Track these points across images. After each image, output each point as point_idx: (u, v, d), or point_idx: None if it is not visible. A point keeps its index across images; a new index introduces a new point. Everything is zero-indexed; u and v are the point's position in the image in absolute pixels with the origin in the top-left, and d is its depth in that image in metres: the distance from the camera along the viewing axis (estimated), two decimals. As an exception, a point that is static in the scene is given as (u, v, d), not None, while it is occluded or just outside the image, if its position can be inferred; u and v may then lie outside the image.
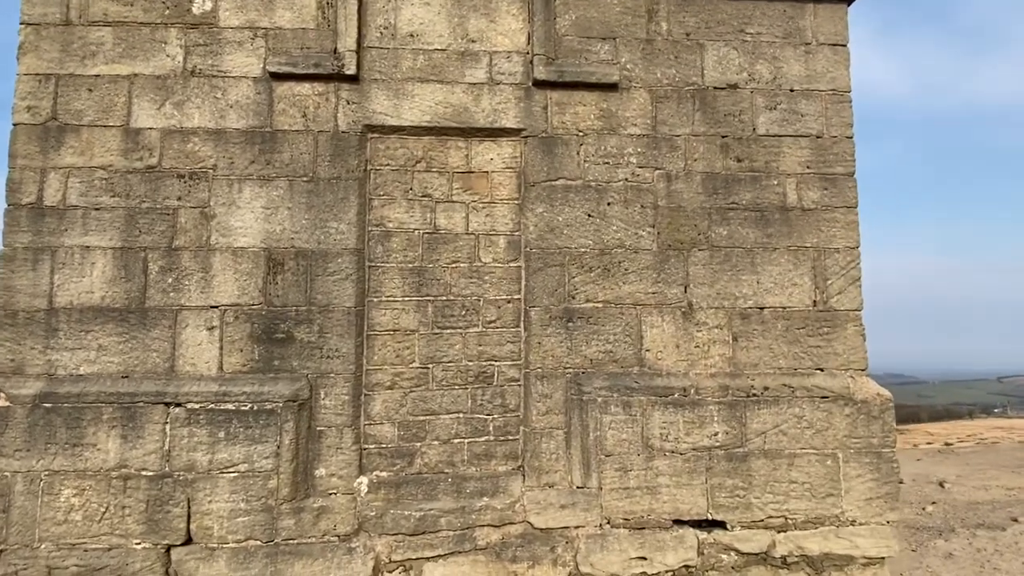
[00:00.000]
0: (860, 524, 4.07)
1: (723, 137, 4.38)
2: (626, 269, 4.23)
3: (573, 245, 4.22)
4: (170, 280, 4.02)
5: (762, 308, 4.26)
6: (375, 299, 4.17)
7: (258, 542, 3.84)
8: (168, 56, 4.17)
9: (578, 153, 4.29)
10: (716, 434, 4.07)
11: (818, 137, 4.42)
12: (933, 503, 8.82)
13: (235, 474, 3.85)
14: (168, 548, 3.81)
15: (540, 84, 4.28)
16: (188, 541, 3.83)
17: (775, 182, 4.36)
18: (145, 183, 4.08)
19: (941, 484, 9.81)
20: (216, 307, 4.03)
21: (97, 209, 4.04)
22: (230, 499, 3.84)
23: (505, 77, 4.31)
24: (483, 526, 3.98)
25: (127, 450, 3.82)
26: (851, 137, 4.44)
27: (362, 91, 4.22)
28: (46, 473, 3.76)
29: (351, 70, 4.15)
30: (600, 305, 4.19)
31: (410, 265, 4.21)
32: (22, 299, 3.92)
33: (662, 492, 4.02)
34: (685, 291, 4.24)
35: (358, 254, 4.14)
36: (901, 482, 9.59)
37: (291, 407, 3.91)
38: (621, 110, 4.33)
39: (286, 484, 3.87)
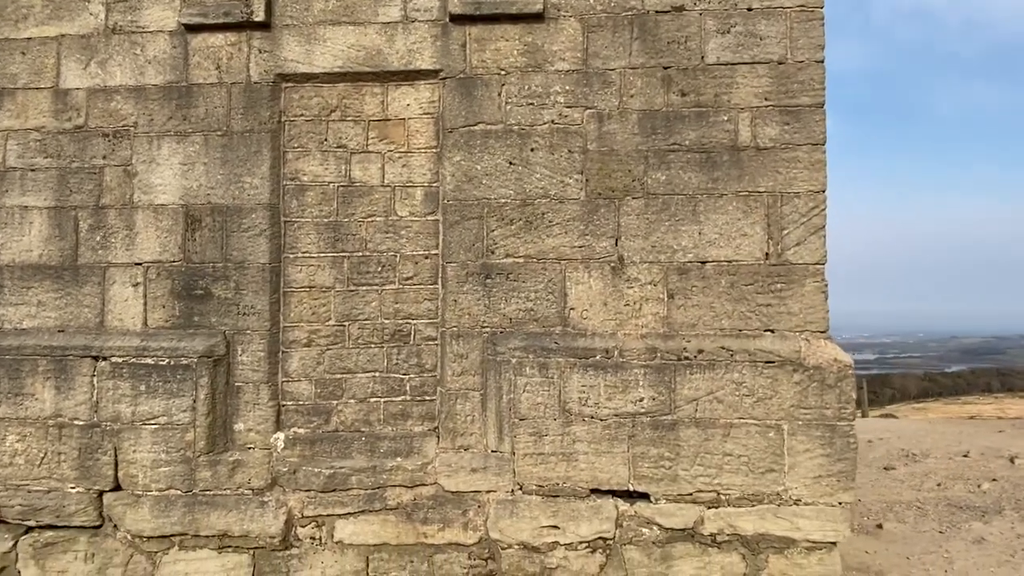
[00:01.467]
0: (805, 504, 3.66)
1: (665, 69, 3.89)
2: (550, 221, 3.92)
3: (493, 196, 3.95)
4: (98, 238, 4.15)
5: (704, 262, 3.83)
6: (291, 255, 4.12)
7: (178, 491, 3.99)
8: (91, 14, 4.21)
9: (499, 94, 3.96)
10: (641, 400, 3.75)
11: (780, 63, 3.84)
12: (993, 480, 7.96)
13: (156, 426, 4.00)
14: (100, 493, 4.04)
15: (458, 19, 3.97)
16: (117, 487, 4.04)
17: (725, 118, 3.84)
18: (74, 143, 4.20)
19: (1012, 460, 8.81)
20: (140, 264, 4.13)
21: (33, 170, 4.21)
22: (152, 450, 3.99)
23: (420, 14, 4.02)
24: (395, 486, 3.92)
25: (61, 400, 4.04)
26: (821, 61, 3.83)
27: (274, 38, 4.09)
28: (-8, 419, 4.05)
29: (260, 16, 4.03)
30: (521, 260, 3.93)
31: (325, 220, 4.11)
32: (-32, 257, 4.17)
33: (579, 459, 3.78)
34: (616, 244, 3.88)
35: (272, 209, 4.08)
36: (890, 468, 8.76)
37: (206, 363, 3.98)
38: (548, 43, 3.95)
39: (202, 437, 3.97)
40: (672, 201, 3.88)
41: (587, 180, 3.93)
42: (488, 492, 3.86)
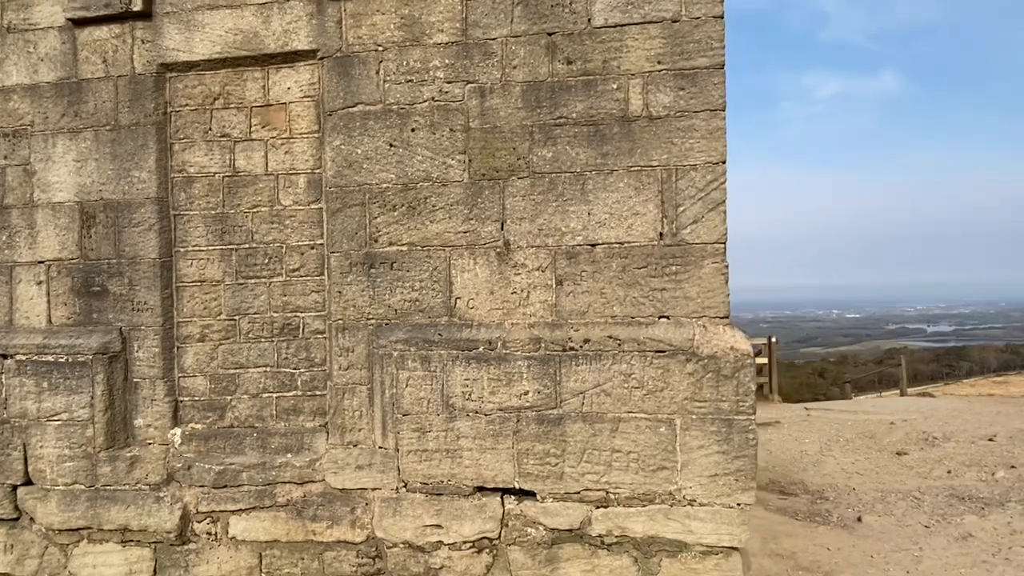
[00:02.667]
0: (700, 505, 3.39)
1: (549, 35, 3.61)
2: (433, 206, 3.72)
3: (374, 181, 3.78)
4: (4, 238, 4.23)
5: (594, 245, 3.57)
6: (182, 249, 4.09)
7: (82, 486, 4.06)
8: (-13, 14, 4.21)
9: (378, 72, 3.77)
10: (526, 393, 3.55)
11: (674, 21, 3.49)
12: (1012, 467, 7.37)
13: (59, 422, 4.07)
14: (13, 487, 4.16)
15: (332, -5, 3.76)
16: (28, 482, 4.14)
17: (614, 86, 3.53)
18: (-22, 144, 4.24)
19: (1039, 444, 8.10)
20: (43, 262, 4.19)
21: (-57, 172, 4.28)
22: (57, 445, 4.07)
23: (296, -8, 3.84)
24: (285, 483, 3.88)
25: (-27, 397, 4.15)
26: (720, 16, 3.46)
27: (155, 27, 4.02)
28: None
29: (139, 5, 3.96)
30: (405, 248, 3.76)
31: (213, 212, 4.05)
32: None
33: (464, 456, 3.62)
34: (501, 228, 3.66)
35: (161, 203, 4.05)
36: (903, 453, 8.10)
37: (101, 359, 4.01)
38: (426, 15, 3.72)
39: (101, 433, 4.02)
40: (559, 180, 3.61)
41: (470, 160, 3.70)
42: (374, 490, 3.76)
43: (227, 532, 3.96)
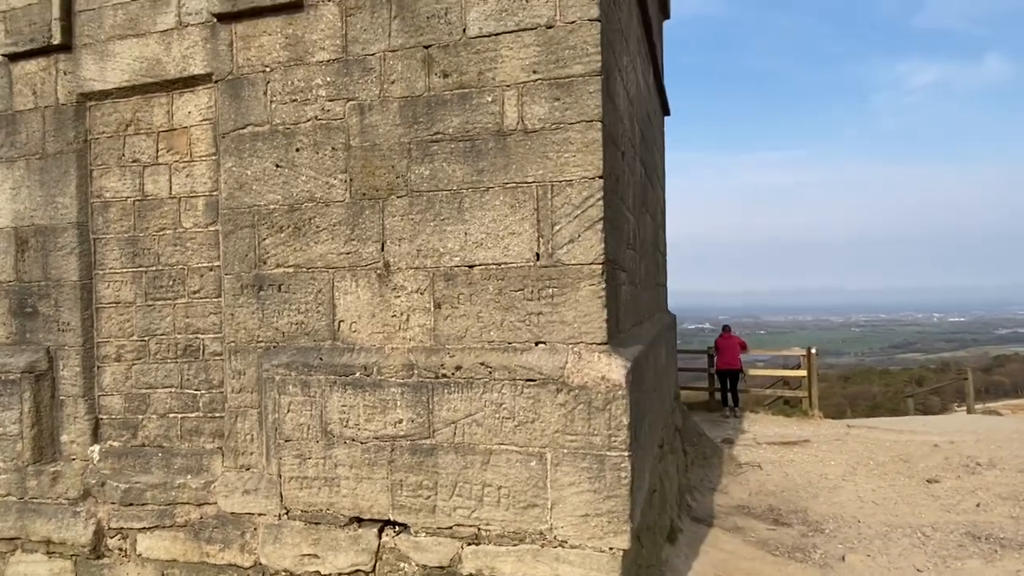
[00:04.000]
0: (571, 547, 3.16)
1: (426, 48, 3.49)
2: (317, 226, 3.68)
3: (263, 202, 3.78)
4: (-45, 261, 4.51)
5: (472, 266, 3.41)
6: (100, 272, 4.24)
7: (13, 498, 4.29)
8: (-58, 52, 4.53)
9: (265, 93, 3.77)
10: (400, 421, 3.43)
11: (548, 27, 3.29)
12: (1056, 501, 6.52)
13: (-5, 437, 4.30)
14: (-41, 496, 4.42)
15: (222, 18, 3.84)
16: (-29, 492, 4.40)
17: (489, 99, 3.37)
18: (-65, 174, 4.57)
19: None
20: (-15, 285, 4.43)
21: (-91, 201, 4.64)
22: (-7, 458, 4.30)
23: (192, 17, 3.94)
24: (183, 503, 3.94)
25: (-73, 411, 4.46)
26: (596, 19, 3.23)
27: (75, 59, 4.20)
28: None
29: (58, 39, 4.16)
30: (291, 270, 3.73)
31: (126, 235, 4.18)
32: None
33: (342, 485, 3.55)
34: (382, 249, 3.57)
35: (81, 227, 4.22)
36: (934, 481, 7.29)
37: (28, 378, 4.22)
38: (308, 33, 3.69)
39: (28, 448, 4.23)
40: (437, 198, 3.47)
41: (351, 180, 3.63)
42: (260, 515, 3.75)
43: (135, 549, 4.06)
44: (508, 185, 3.37)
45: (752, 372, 12.68)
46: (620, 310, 3.83)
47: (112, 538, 4.12)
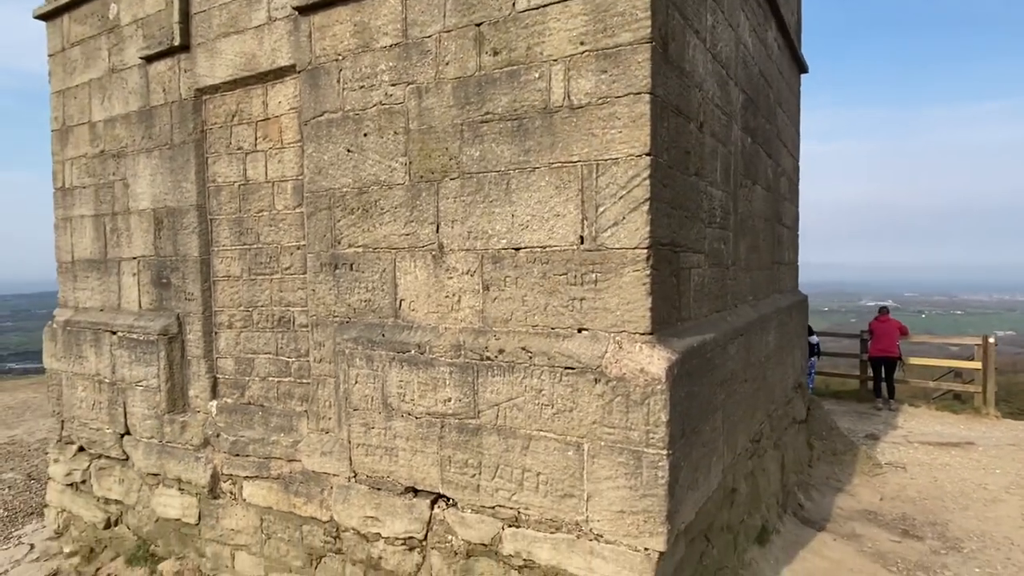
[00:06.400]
0: (607, 542, 3.08)
1: (477, 26, 3.46)
2: (382, 208, 3.86)
3: (337, 185, 4.03)
4: (115, 239, 5.37)
5: (518, 248, 3.39)
6: (215, 249, 4.80)
7: (156, 440, 5.07)
8: (102, 60, 5.34)
9: (338, 81, 3.99)
10: (449, 400, 3.55)
11: (597, -7, 3.09)
12: None
13: (143, 388, 5.11)
14: (121, 435, 5.34)
15: (302, 10, 4.09)
16: (128, 432, 5.28)
17: (536, 75, 3.28)
18: (101, 163, 5.44)
19: None
20: (135, 258, 5.23)
21: (84, 187, 5.59)
22: (141, 406, 5.13)
23: (279, 12, 4.24)
24: (276, 458, 4.40)
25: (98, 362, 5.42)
26: (645, -20, 2.97)
27: (192, 57, 4.71)
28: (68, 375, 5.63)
29: (178, 40, 4.68)
30: (360, 250, 3.96)
31: (233, 216, 4.67)
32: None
33: (399, 456, 3.76)
34: (437, 231, 3.66)
35: (200, 209, 4.79)
36: (903, 539, 6.05)
37: (163, 339, 4.93)
38: (373, 19, 3.82)
39: (164, 400, 4.97)
40: (486, 180, 3.47)
41: (410, 162, 3.73)
42: (333, 476, 4.07)
43: (241, 494, 4.62)
44: (554, 165, 3.25)
45: (912, 361, 11.20)
46: (686, 296, 3.58)
47: (224, 483, 4.73)
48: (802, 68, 7.67)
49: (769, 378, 5.54)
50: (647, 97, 3.00)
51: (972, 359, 10.73)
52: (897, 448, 8.40)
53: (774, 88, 6.07)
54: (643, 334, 3.06)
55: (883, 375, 10.71)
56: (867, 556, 5.16)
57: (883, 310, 11.07)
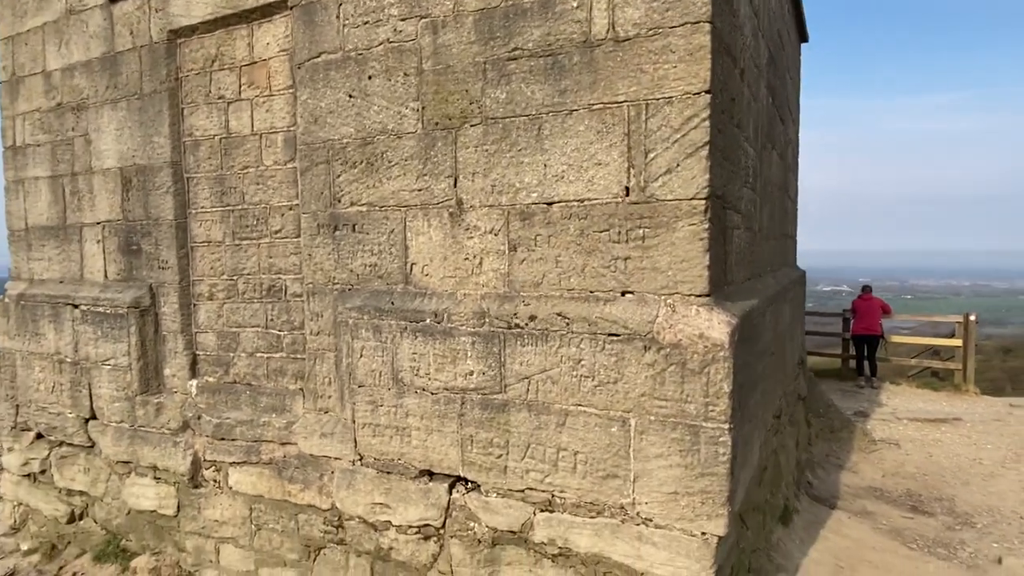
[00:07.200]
0: (657, 527, 2.75)
1: (504, -51, 3.02)
2: (390, 161, 3.42)
3: (336, 136, 3.57)
4: (75, 202, 4.79)
5: (550, 203, 3.00)
6: (193, 211, 4.28)
7: (126, 425, 4.56)
8: (58, 0, 4.71)
9: (338, 17, 3.51)
10: (471, 373, 3.16)
11: (648, -92, 2.69)
12: None
13: (110, 367, 4.57)
14: (85, 420, 4.79)
15: (295, -63, 3.55)
16: (94, 417, 4.74)
17: (575, 3, 2.87)
18: (58, 118, 4.83)
19: None
20: (98, 223, 4.67)
21: (38, 145, 4.96)
22: (109, 387, 4.60)
23: (267, -61, 3.70)
24: (268, 441, 3.97)
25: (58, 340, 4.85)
26: None
27: (164, -5, 4.14)
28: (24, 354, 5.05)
29: (148, -26, 4.09)
30: (364, 209, 3.52)
31: (214, 174, 4.17)
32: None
33: (412, 436, 3.36)
34: (454, 185, 3.24)
35: (175, 167, 4.27)
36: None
37: (134, 312, 4.41)
38: (380, -55, 3.33)
39: (136, 380, 4.45)
40: (513, 126, 3.06)
41: (423, 108, 3.30)
42: (335, 459, 3.66)
43: (227, 481, 4.16)
44: (595, 106, 2.87)
45: (895, 339, 11.23)
46: (730, 258, 3.25)
47: (207, 469, 4.26)
48: (804, 36, 7.42)
49: (784, 352, 5.30)
50: (707, 27, 2.64)
51: (953, 336, 10.81)
52: (887, 425, 8.34)
53: (786, 51, 5.78)
54: (699, 296, 2.72)
55: (865, 353, 10.70)
56: (884, 534, 4.99)
57: (866, 288, 11.04)
